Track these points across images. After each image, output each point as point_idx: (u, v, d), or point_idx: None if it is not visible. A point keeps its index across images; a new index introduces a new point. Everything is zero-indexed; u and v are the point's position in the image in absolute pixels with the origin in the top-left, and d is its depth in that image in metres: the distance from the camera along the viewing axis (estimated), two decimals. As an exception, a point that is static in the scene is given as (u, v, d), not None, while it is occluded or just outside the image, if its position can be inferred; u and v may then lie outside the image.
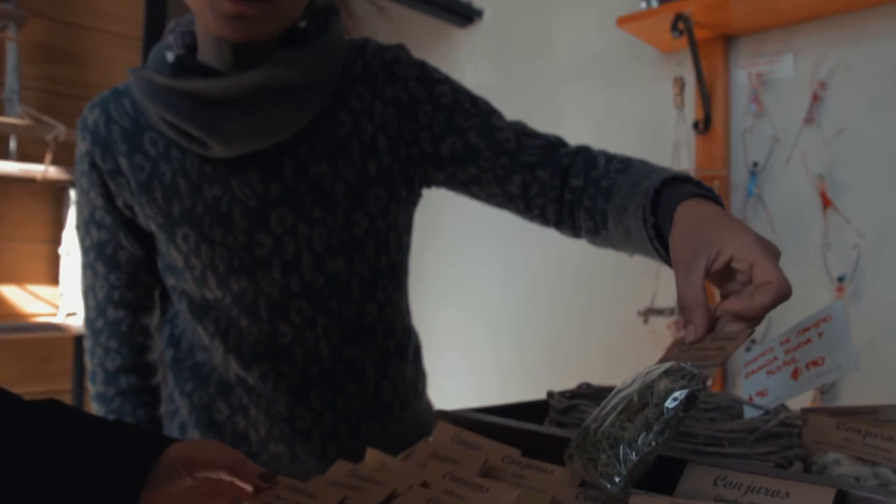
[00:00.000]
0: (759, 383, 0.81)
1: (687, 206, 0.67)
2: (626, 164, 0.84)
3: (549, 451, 0.63)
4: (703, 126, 1.98)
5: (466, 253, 2.63)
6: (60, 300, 1.85)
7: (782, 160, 1.89)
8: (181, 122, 0.86)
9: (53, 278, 1.86)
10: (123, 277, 1.00)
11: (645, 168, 0.80)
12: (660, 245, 0.72)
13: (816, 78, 1.83)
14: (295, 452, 0.99)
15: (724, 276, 0.62)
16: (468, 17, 2.92)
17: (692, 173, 1.66)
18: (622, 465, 0.52)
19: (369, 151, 0.93)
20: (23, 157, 1.72)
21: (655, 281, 1.97)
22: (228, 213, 0.91)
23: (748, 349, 1.53)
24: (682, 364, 0.55)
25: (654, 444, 0.52)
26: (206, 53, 0.89)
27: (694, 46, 1.89)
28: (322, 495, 0.57)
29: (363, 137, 0.93)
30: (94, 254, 1.00)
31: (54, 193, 1.80)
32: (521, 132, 0.93)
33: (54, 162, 1.68)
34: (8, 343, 1.69)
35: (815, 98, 1.83)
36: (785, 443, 0.69)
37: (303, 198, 0.91)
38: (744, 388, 0.83)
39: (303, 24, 0.90)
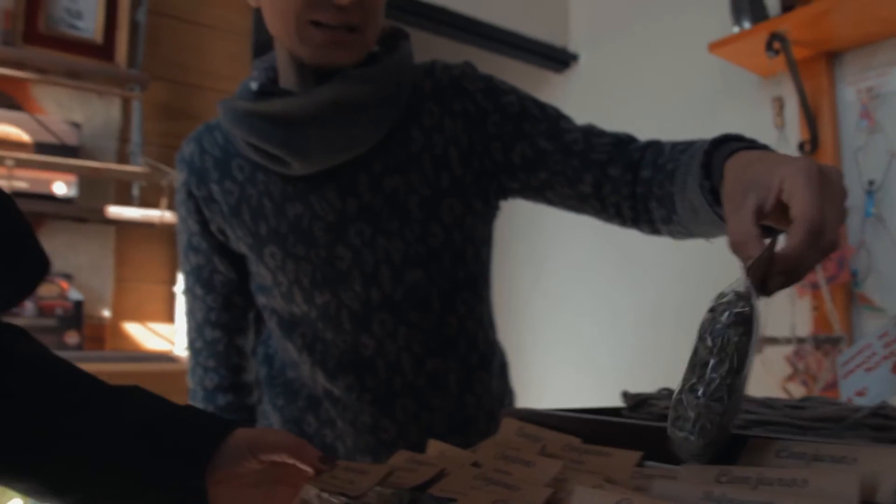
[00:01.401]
0: (858, 382, 0.74)
1: (734, 158, 0.64)
2: (689, 144, 0.82)
3: (612, 439, 0.61)
4: (811, 147, 1.88)
5: (571, 301, 2.59)
6: (175, 336, 1.97)
7: (902, 176, 1.77)
8: (263, 143, 0.92)
9: (170, 316, 1.99)
10: (219, 299, 1.06)
11: (705, 141, 0.77)
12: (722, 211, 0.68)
13: (934, 87, 1.72)
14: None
15: (785, 218, 0.56)
16: (564, 61, 2.95)
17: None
18: (688, 410, 0.50)
19: (441, 164, 0.95)
20: (144, 203, 1.87)
21: (765, 308, 1.86)
22: (310, 230, 0.95)
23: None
24: (722, 292, 0.53)
25: (716, 378, 0.50)
26: (288, 80, 0.95)
27: (793, 65, 1.82)
28: (373, 472, 0.57)
29: (434, 151, 0.95)
30: (193, 278, 1.07)
31: (171, 237, 1.95)
32: (590, 132, 0.92)
33: (170, 207, 1.82)
34: (129, 376, 1.82)
35: (935, 108, 1.71)
36: (882, 436, 0.62)
37: (379, 211, 0.94)
38: (842, 390, 0.77)
39: (375, 48, 0.96)
